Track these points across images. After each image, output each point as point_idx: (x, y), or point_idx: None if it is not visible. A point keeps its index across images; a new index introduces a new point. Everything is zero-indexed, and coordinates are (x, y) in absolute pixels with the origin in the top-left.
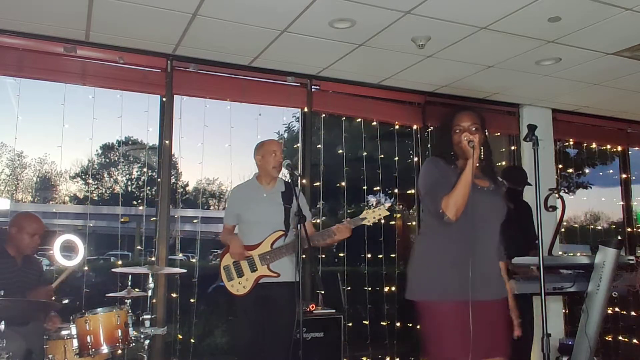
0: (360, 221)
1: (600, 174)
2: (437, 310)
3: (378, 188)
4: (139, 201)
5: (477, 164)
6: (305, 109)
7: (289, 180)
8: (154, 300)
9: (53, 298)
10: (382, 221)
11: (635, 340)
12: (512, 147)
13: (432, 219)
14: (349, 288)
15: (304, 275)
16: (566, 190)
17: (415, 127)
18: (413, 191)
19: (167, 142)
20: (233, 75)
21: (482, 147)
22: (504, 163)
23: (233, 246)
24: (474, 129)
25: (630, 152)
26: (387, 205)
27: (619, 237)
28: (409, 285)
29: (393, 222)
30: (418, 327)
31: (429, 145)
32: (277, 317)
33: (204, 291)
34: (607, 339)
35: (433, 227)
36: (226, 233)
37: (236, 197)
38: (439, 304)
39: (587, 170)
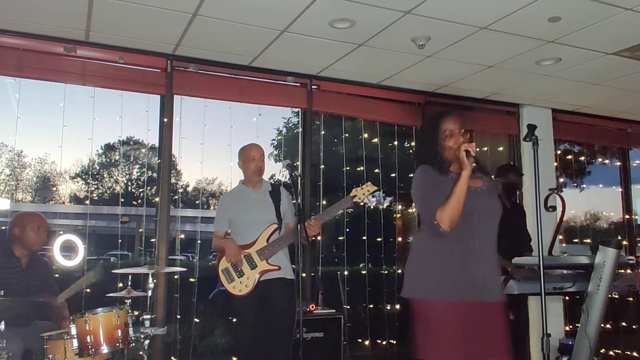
0: (351, 199)
1: (601, 173)
2: (432, 309)
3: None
4: (139, 201)
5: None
6: (305, 109)
7: (274, 181)
8: (154, 300)
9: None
10: (372, 198)
11: (634, 340)
12: (512, 147)
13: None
14: (349, 288)
15: (304, 274)
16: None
17: (415, 127)
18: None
19: (167, 142)
20: (233, 75)
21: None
22: (503, 163)
23: (229, 248)
24: (461, 130)
25: (630, 152)
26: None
27: (619, 237)
28: (405, 284)
29: (393, 222)
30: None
31: None
32: (278, 314)
33: (204, 291)
34: (607, 339)
35: (430, 226)
36: (218, 239)
37: (226, 203)
38: (434, 303)
39: (587, 170)
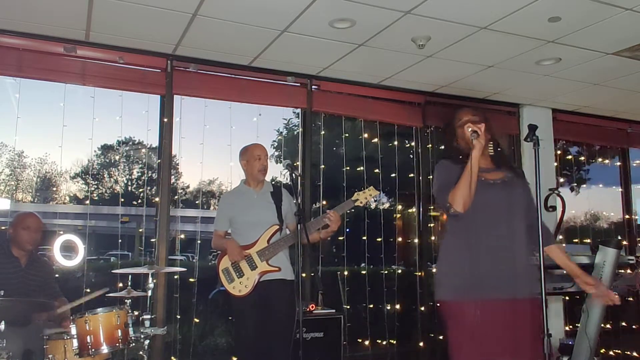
0: (352, 203)
1: (601, 173)
2: (453, 310)
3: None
4: (139, 201)
5: (489, 157)
6: (306, 109)
7: (275, 182)
8: (154, 300)
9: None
10: (374, 202)
11: (634, 340)
12: (512, 147)
13: (449, 219)
14: (349, 288)
15: (304, 274)
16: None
17: (415, 127)
18: (413, 191)
19: (167, 142)
20: (233, 75)
21: (491, 141)
22: None
23: (230, 248)
24: (477, 119)
25: (630, 152)
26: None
27: (619, 237)
28: (436, 287)
29: (393, 222)
30: (419, 327)
31: (429, 146)
32: (277, 315)
33: (204, 291)
34: (607, 338)
35: (451, 226)
36: (219, 238)
37: (227, 202)
38: (455, 304)
39: (587, 170)
